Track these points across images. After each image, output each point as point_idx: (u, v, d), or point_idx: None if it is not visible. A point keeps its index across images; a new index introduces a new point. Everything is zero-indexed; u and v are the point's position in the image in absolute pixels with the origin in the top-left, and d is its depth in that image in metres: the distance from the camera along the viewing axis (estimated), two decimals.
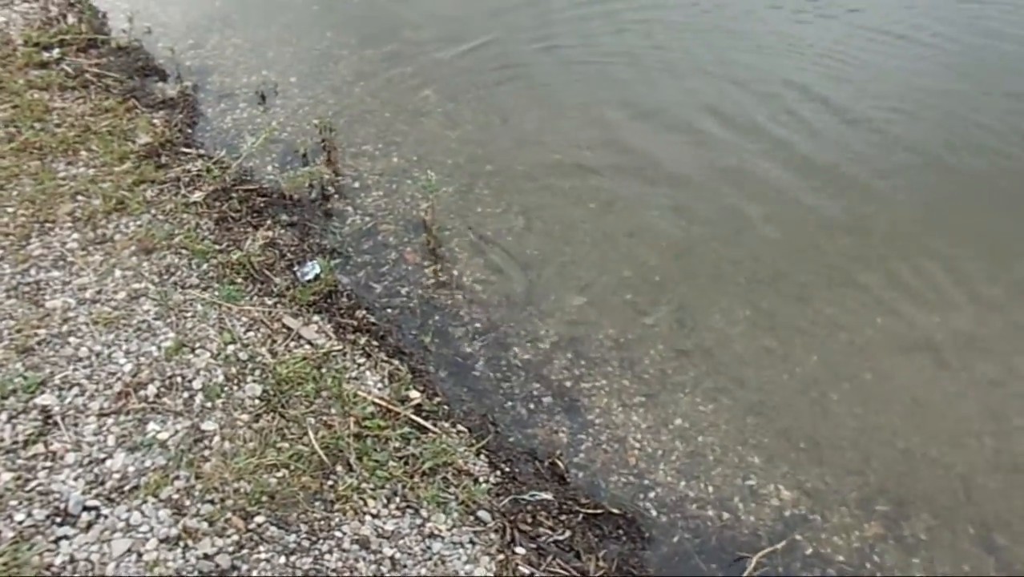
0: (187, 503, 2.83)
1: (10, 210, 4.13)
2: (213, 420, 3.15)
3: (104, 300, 3.66)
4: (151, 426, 3.09)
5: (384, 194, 4.80)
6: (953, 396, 3.67)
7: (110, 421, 3.10)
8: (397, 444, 3.19)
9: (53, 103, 5.17)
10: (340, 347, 3.62)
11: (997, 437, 3.51)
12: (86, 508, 2.78)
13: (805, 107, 5.67)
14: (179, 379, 3.30)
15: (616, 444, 3.45)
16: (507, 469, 3.23)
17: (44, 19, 6.21)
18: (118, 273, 3.81)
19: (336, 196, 4.75)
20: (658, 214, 4.69)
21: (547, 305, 4.07)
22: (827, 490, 3.30)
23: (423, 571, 2.78)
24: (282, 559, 2.71)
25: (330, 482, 3.00)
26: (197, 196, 4.42)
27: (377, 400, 3.34)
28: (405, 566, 2.78)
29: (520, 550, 2.91)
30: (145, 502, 2.81)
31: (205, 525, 2.76)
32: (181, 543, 2.70)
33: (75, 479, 2.88)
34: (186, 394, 3.25)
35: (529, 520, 3.04)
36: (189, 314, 3.65)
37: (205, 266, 3.95)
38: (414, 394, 3.43)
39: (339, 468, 3.06)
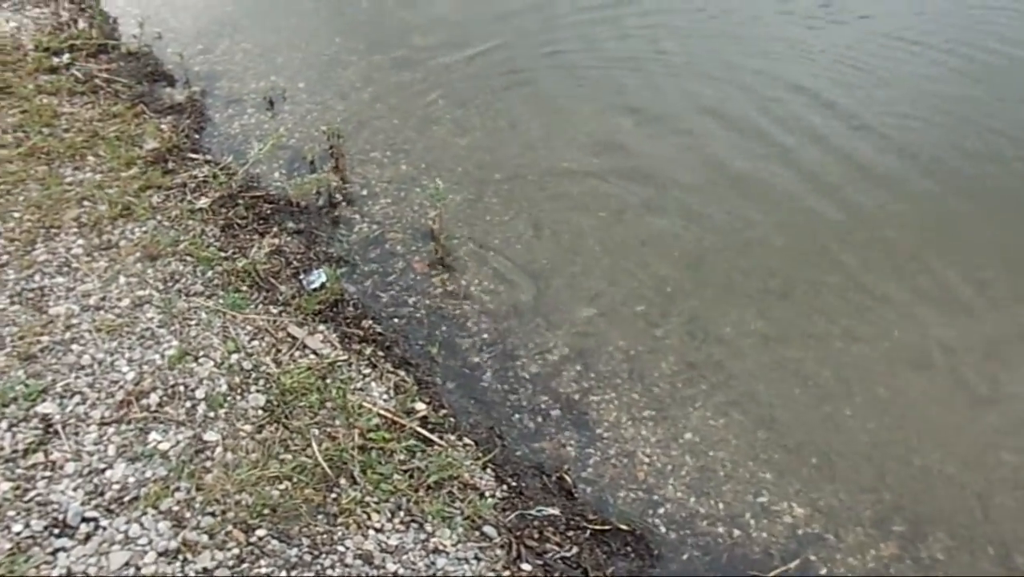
0: (187, 515, 2.78)
1: (16, 215, 4.11)
2: (215, 430, 3.10)
3: (108, 307, 3.62)
4: (152, 436, 3.04)
5: (392, 202, 4.75)
6: (971, 411, 3.59)
7: (111, 430, 3.06)
8: (402, 457, 3.13)
9: (62, 108, 5.15)
10: (345, 357, 3.57)
11: (1017, 454, 3.42)
12: (85, 519, 2.74)
13: (817, 114, 5.60)
14: (182, 388, 3.26)
15: (625, 459, 3.38)
16: (514, 483, 3.17)
17: (55, 24, 6.22)
18: (122, 280, 3.78)
19: (343, 203, 4.71)
20: (668, 223, 4.63)
21: (556, 316, 4.01)
22: (841, 508, 3.22)
23: None
24: (283, 574, 2.66)
25: (333, 495, 2.95)
26: (203, 202, 4.38)
27: (382, 412, 3.28)
28: None
29: (526, 567, 2.85)
30: (145, 514, 2.76)
31: (205, 538, 2.71)
32: (180, 557, 2.65)
33: (74, 489, 2.84)
34: (189, 403, 3.20)
35: (536, 536, 2.97)
36: (193, 322, 3.60)
37: (210, 273, 3.91)
38: (420, 406, 3.37)
39: (343, 481, 3.00)
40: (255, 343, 3.56)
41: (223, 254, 4.05)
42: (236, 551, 2.68)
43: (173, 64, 5.89)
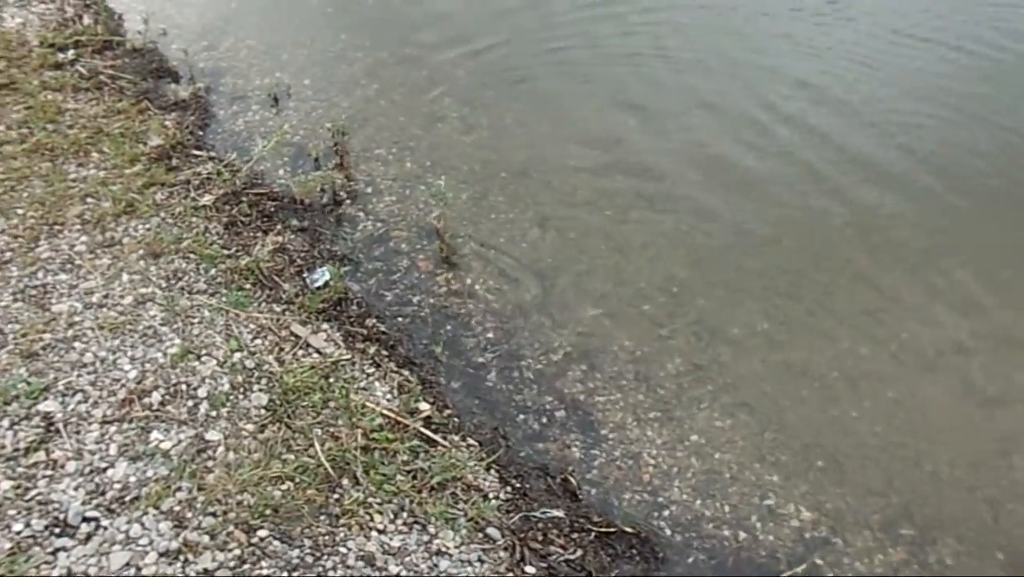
0: (189, 515, 2.75)
1: (20, 212, 4.10)
2: (217, 430, 3.08)
3: (110, 305, 3.60)
4: (154, 435, 3.02)
5: (397, 200, 4.73)
6: (981, 414, 3.55)
7: (113, 429, 3.04)
8: (405, 457, 3.11)
9: (66, 104, 5.14)
10: (349, 356, 3.54)
11: None
12: (86, 519, 2.71)
13: (825, 112, 5.55)
14: (184, 387, 3.24)
15: (630, 460, 3.35)
16: (518, 485, 3.14)
17: (60, 20, 6.20)
18: (125, 277, 3.76)
19: (348, 201, 4.68)
20: (675, 222, 4.59)
21: (561, 315, 3.98)
22: (848, 511, 3.19)
23: None
24: (285, 575, 2.63)
25: (336, 496, 2.92)
26: (207, 199, 4.36)
27: (386, 412, 3.26)
28: None
29: (530, 569, 2.82)
30: (146, 514, 2.74)
31: (206, 539, 2.69)
32: (181, 557, 2.63)
33: (75, 489, 2.82)
34: (191, 402, 3.18)
35: (540, 538, 2.94)
36: (196, 320, 3.58)
37: (213, 271, 3.89)
38: (424, 406, 3.34)
39: (345, 481, 2.98)
40: (258, 342, 3.54)
41: (226, 252, 4.03)
42: (237, 552, 2.66)
43: (177, 60, 5.86)
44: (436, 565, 2.77)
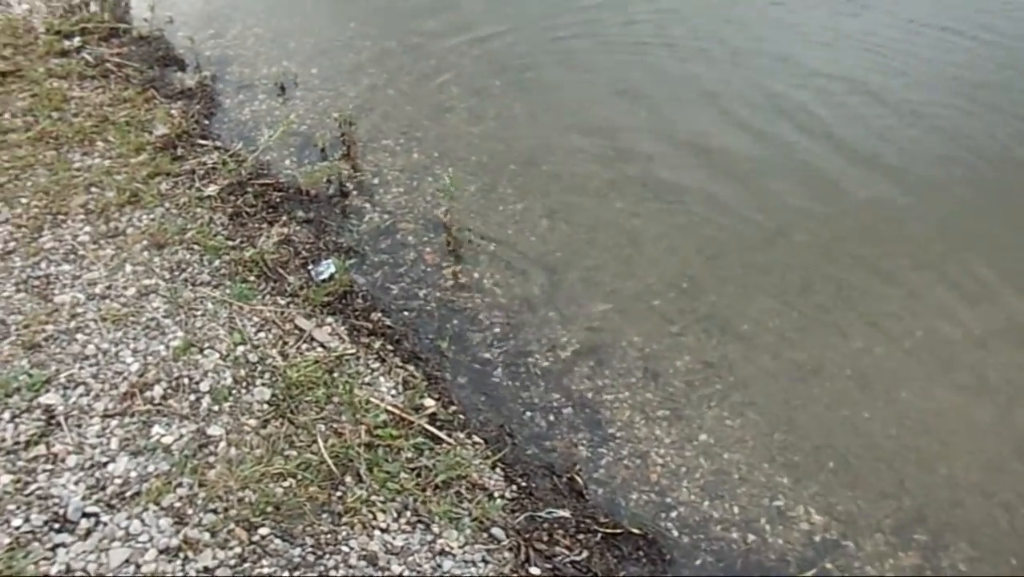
0: (189, 512, 2.72)
1: (24, 201, 4.06)
2: (219, 425, 3.04)
3: (113, 296, 3.56)
4: (156, 429, 2.99)
5: (404, 191, 4.67)
6: (997, 417, 3.47)
7: (114, 423, 3.00)
8: (409, 455, 3.06)
9: (72, 92, 5.10)
10: (354, 351, 3.50)
11: None
12: (85, 514, 2.68)
13: (843, 102, 5.47)
14: (186, 380, 3.20)
15: (638, 459, 3.30)
16: (523, 484, 3.09)
17: (66, 7, 6.15)
18: (129, 268, 3.72)
19: (354, 192, 4.63)
20: (686, 216, 4.52)
21: (570, 310, 3.92)
22: (860, 515, 3.12)
23: None
24: (286, 574, 2.59)
25: (338, 493, 2.88)
26: (212, 190, 4.32)
27: (390, 408, 3.21)
28: None
29: (535, 571, 2.77)
30: (146, 510, 2.70)
31: (207, 536, 2.65)
32: (181, 555, 2.59)
33: (76, 483, 2.78)
34: (193, 396, 3.14)
35: (545, 538, 2.90)
36: (199, 313, 3.54)
37: (217, 263, 3.84)
38: (429, 402, 3.29)
39: (348, 479, 2.93)
40: (261, 335, 3.49)
41: (231, 243, 3.98)
42: (238, 550, 2.62)
43: (184, 48, 5.82)
44: (440, 565, 2.73)
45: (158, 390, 3.14)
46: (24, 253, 3.73)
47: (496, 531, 2.87)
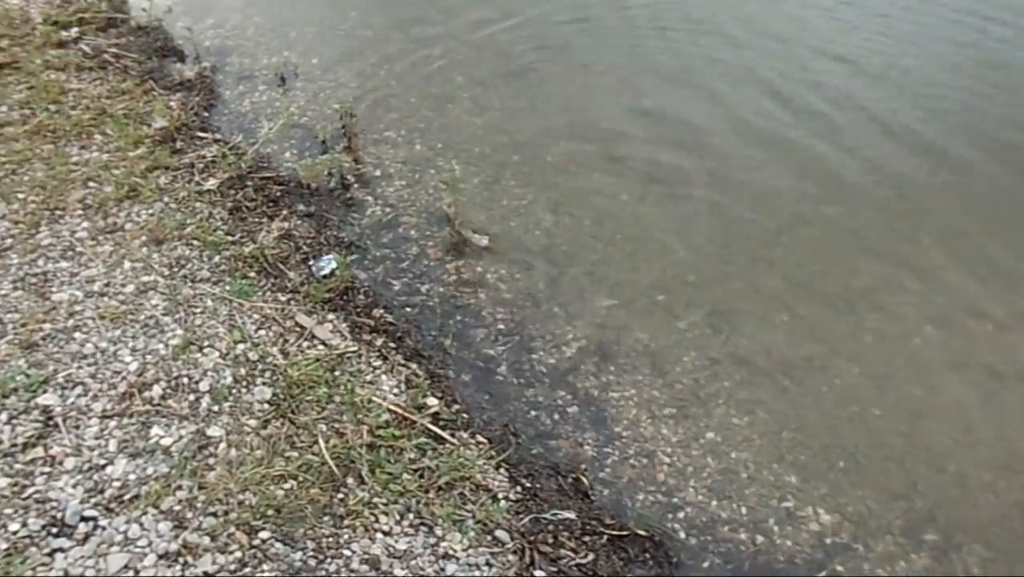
0: (189, 515, 2.67)
1: (21, 196, 4.01)
2: (219, 425, 2.99)
3: (112, 294, 3.51)
4: (155, 430, 2.94)
5: (407, 184, 4.60)
6: (1010, 415, 3.41)
7: (112, 424, 2.96)
8: (412, 455, 3.01)
9: (69, 84, 5.04)
10: (355, 348, 3.44)
11: None
12: (84, 518, 2.63)
13: (855, 94, 5.40)
14: (185, 380, 3.15)
15: (644, 459, 3.24)
16: (528, 485, 3.04)
17: None
18: (127, 265, 3.66)
19: (356, 185, 4.57)
20: (692, 208, 4.45)
21: (575, 306, 3.86)
22: (870, 515, 3.07)
23: None
24: None
25: (340, 495, 2.83)
26: (211, 183, 4.26)
27: (392, 407, 3.16)
28: None
29: (540, 574, 2.72)
30: (145, 513, 2.66)
31: (207, 540, 2.61)
32: (181, 559, 2.54)
33: (74, 486, 2.74)
34: (192, 396, 3.09)
35: (550, 541, 2.85)
36: (198, 310, 3.49)
37: (217, 258, 3.79)
38: (432, 401, 3.24)
39: (350, 480, 2.89)
40: (262, 332, 3.44)
41: (230, 238, 3.93)
42: (238, 554, 2.58)
43: (183, 39, 5.75)
44: (443, 569, 2.68)
45: (157, 390, 3.09)
46: (21, 250, 3.68)
47: (500, 533, 2.83)
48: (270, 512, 2.71)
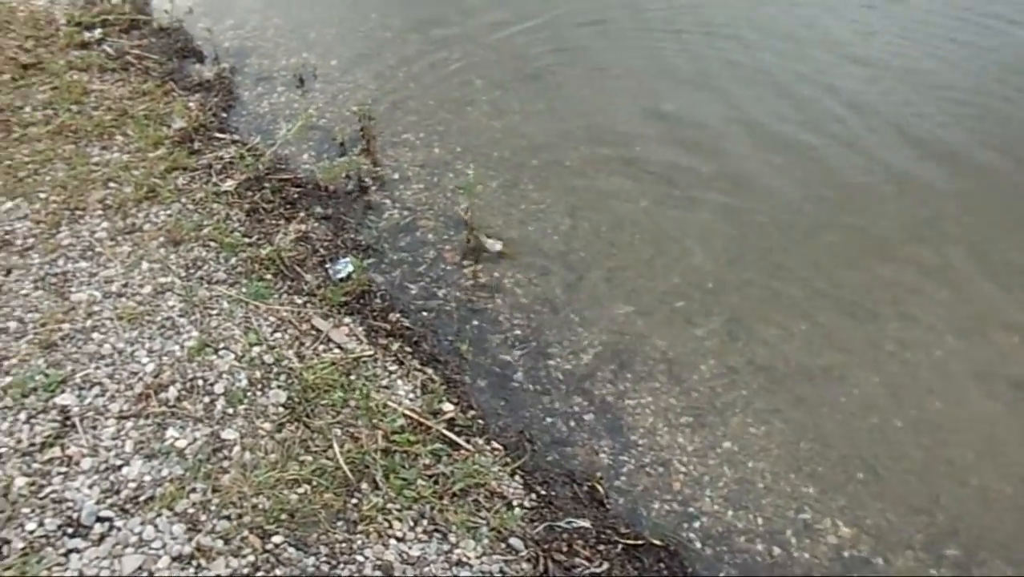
0: (203, 518, 2.67)
1: (42, 196, 4.04)
2: (234, 428, 2.99)
3: (130, 294, 3.53)
4: (170, 432, 2.95)
5: (424, 187, 4.59)
6: None
7: (129, 425, 2.96)
8: (427, 461, 3.00)
9: (92, 85, 5.08)
10: (371, 352, 3.44)
11: None
12: (99, 519, 2.64)
13: (872, 104, 5.32)
14: (201, 382, 3.15)
15: (660, 467, 3.21)
16: (543, 492, 3.02)
17: None
18: (145, 266, 3.68)
19: (374, 188, 4.56)
20: (711, 214, 4.41)
21: (592, 312, 3.83)
22: (890, 529, 3.02)
23: None
24: None
25: (354, 500, 2.82)
26: (229, 185, 4.27)
27: (408, 412, 3.15)
28: None
29: None
30: (159, 515, 2.66)
31: (220, 543, 2.61)
32: (194, 562, 2.54)
33: (90, 487, 2.75)
34: (207, 398, 3.09)
35: (564, 549, 2.82)
36: (214, 312, 3.50)
37: (233, 260, 3.80)
38: (447, 407, 3.23)
39: (364, 486, 2.88)
40: (278, 335, 3.44)
41: (247, 240, 3.93)
42: (251, 558, 2.58)
43: (203, 40, 5.78)
44: (456, 576, 2.67)
45: (173, 391, 3.10)
46: (42, 249, 3.71)
47: (514, 541, 2.81)
48: (283, 516, 2.70)
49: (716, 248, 4.20)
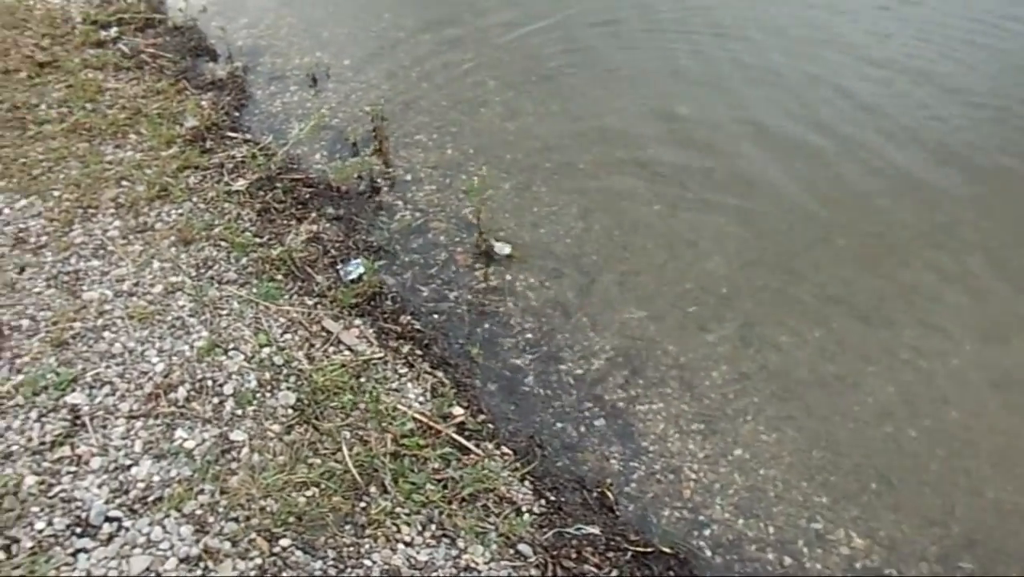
0: (210, 520, 2.67)
1: (56, 193, 4.05)
2: (243, 429, 2.98)
3: (140, 293, 3.53)
4: (179, 433, 2.94)
5: (437, 188, 4.58)
6: None
7: (138, 425, 2.96)
8: (436, 465, 2.98)
9: (107, 83, 5.09)
10: (381, 355, 3.42)
11: None
12: (108, 519, 2.64)
13: (888, 106, 5.26)
14: (210, 382, 3.15)
15: (671, 474, 3.18)
16: (553, 498, 2.99)
17: None
18: (156, 265, 3.68)
19: (386, 189, 4.55)
20: (725, 219, 4.37)
21: (604, 316, 3.81)
22: (904, 540, 2.98)
23: None
24: None
25: (362, 504, 2.81)
26: (240, 184, 4.26)
27: (417, 415, 3.13)
28: None
29: None
30: (168, 516, 2.66)
31: (228, 545, 2.60)
32: (202, 564, 2.54)
33: (99, 486, 2.75)
34: (216, 399, 3.09)
35: (573, 556, 2.80)
36: (224, 312, 3.49)
37: (244, 260, 3.79)
38: (457, 411, 3.21)
39: (373, 489, 2.86)
40: (287, 336, 3.44)
41: (258, 240, 3.93)
42: (259, 561, 2.57)
43: (216, 38, 5.78)
44: None
45: (182, 392, 3.09)
46: (55, 248, 3.71)
47: (523, 547, 2.79)
48: (291, 519, 2.69)
49: (730, 252, 4.16)
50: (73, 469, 2.79)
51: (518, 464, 3.08)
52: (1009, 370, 3.56)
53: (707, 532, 3.01)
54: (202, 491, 2.75)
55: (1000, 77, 5.60)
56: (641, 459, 3.23)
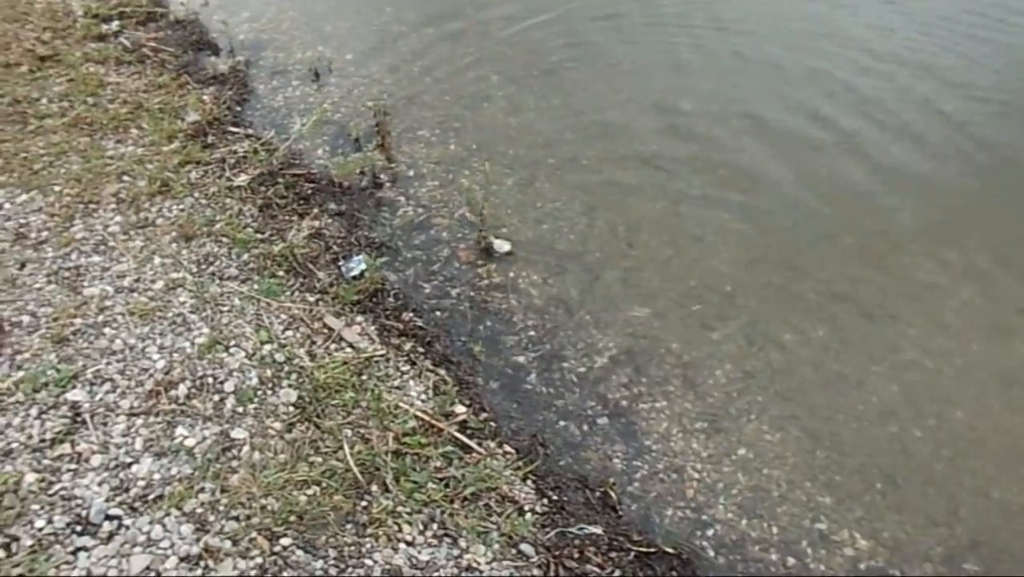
0: (211, 518, 2.65)
1: (57, 188, 4.03)
2: (243, 427, 2.97)
3: (141, 289, 3.51)
4: (179, 430, 2.93)
5: (439, 184, 4.55)
6: None
7: (139, 422, 2.95)
8: (438, 464, 2.97)
9: (108, 77, 5.06)
10: (383, 352, 3.40)
11: None
12: (108, 517, 2.63)
13: (891, 101, 5.23)
14: (211, 380, 3.13)
15: (674, 474, 3.17)
16: (555, 497, 2.98)
17: None
18: (157, 260, 3.66)
19: (388, 185, 4.52)
20: (729, 216, 4.34)
21: (607, 314, 3.78)
22: (908, 541, 2.96)
23: None
24: None
25: (364, 503, 2.79)
26: (242, 179, 4.24)
27: (419, 414, 3.11)
28: None
29: None
30: (168, 515, 2.64)
31: (228, 544, 2.59)
32: (202, 563, 2.53)
33: (99, 484, 2.73)
34: (217, 397, 3.07)
35: (576, 556, 2.79)
36: (225, 308, 3.47)
37: (246, 256, 3.77)
38: (459, 409, 3.19)
39: (374, 488, 2.85)
40: (289, 333, 3.42)
41: (260, 236, 3.90)
42: (259, 560, 2.55)
43: (218, 32, 5.75)
44: None
45: (183, 389, 3.08)
46: (56, 243, 3.70)
47: (525, 547, 2.77)
48: (292, 518, 2.68)
49: (734, 249, 4.14)
50: (73, 467, 2.78)
51: (520, 463, 3.07)
52: (1015, 369, 3.54)
53: (710, 532, 2.99)
54: (203, 489, 2.73)
55: (1003, 71, 5.57)
56: (644, 458, 3.21)
